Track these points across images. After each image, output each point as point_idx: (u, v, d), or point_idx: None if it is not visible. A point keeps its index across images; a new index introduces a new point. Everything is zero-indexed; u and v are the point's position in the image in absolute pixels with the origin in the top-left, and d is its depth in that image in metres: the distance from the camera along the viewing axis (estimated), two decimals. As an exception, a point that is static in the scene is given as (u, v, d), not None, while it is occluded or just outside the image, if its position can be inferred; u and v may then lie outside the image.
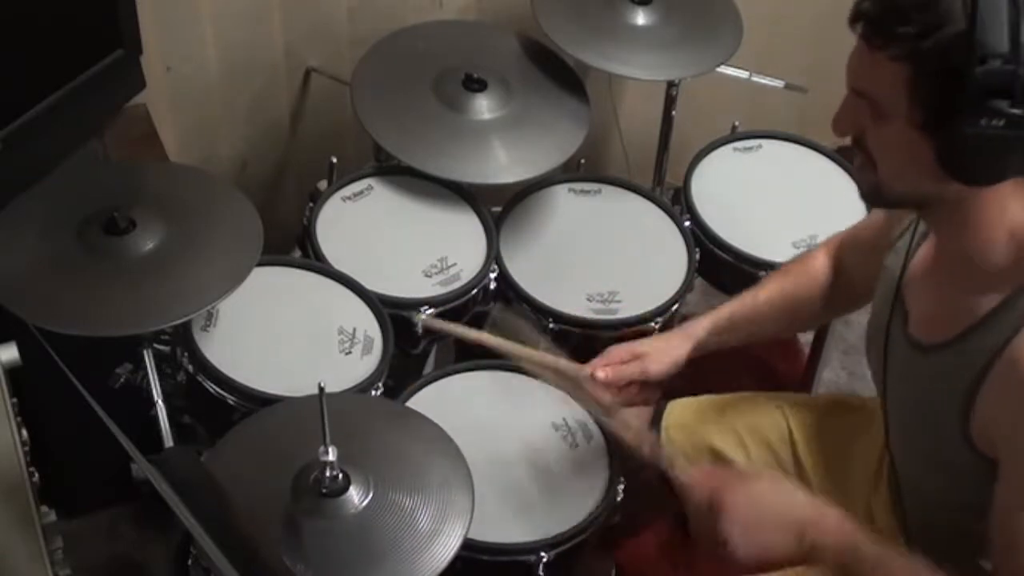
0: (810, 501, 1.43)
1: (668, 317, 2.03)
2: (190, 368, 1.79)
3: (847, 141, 1.38)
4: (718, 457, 1.80)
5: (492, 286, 2.03)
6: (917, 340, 1.43)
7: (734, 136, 2.35)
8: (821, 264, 1.75)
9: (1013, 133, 1.19)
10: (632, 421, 1.67)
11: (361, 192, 2.11)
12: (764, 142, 2.35)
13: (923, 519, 1.53)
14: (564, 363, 1.72)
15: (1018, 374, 1.27)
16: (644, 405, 1.79)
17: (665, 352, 1.74)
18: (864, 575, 1.36)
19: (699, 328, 1.76)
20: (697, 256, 2.12)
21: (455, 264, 2.01)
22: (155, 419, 1.77)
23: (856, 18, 1.27)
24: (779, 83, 2.47)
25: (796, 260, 1.81)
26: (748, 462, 1.78)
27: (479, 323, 2.04)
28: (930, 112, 1.23)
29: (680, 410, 1.86)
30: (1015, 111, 1.18)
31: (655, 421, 1.86)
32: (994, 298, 1.31)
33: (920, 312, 1.44)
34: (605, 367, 1.71)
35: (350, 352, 1.85)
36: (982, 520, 1.35)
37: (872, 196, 1.37)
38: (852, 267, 1.72)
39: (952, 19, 1.19)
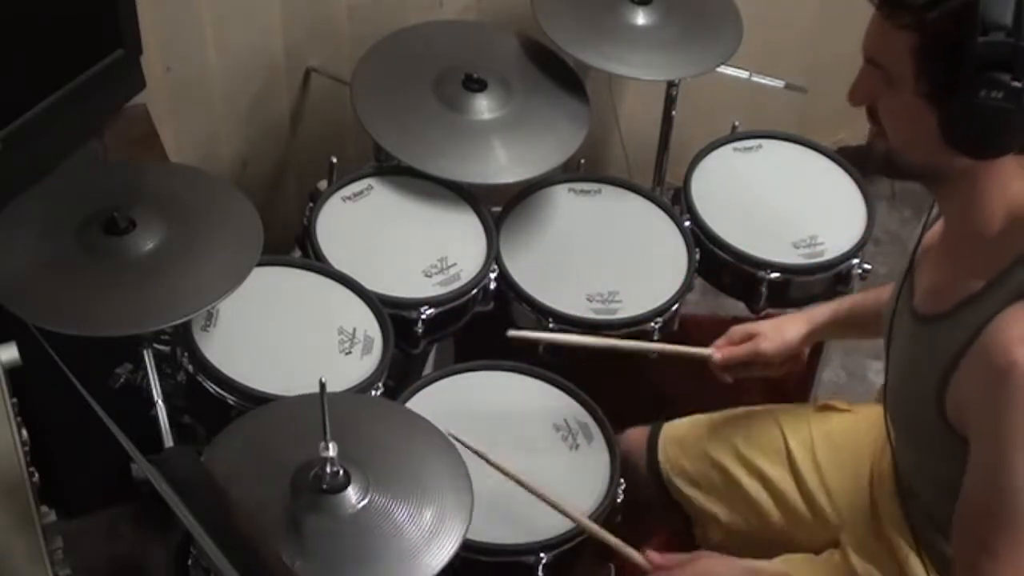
0: (750, 565, 1.60)
1: (668, 317, 2.03)
2: (190, 368, 1.79)
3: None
4: (716, 468, 1.81)
5: (492, 286, 2.03)
6: (917, 311, 1.46)
7: (734, 136, 2.35)
8: None
9: (1012, 106, 1.22)
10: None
11: (361, 192, 2.11)
12: (764, 142, 2.35)
13: (920, 498, 1.55)
14: (687, 349, 1.85)
15: (988, 357, 1.29)
16: (767, 376, 1.84)
17: (779, 332, 1.80)
18: None
19: (819, 314, 1.83)
20: (697, 256, 2.12)
21: (455, 264, 2.01)
22: (155, 419, 1.77)
23: None
24: (779, 83, 2.47)
25: None
26: (748, 477, 1.80)
27: (479, 323, 2.05)
28: (934, 82, 1.26)
29: (675, 428, 1.88)
30: (1015, 84, 1.21)
31: (651, 439, 1.87)
32: (986, 275, 1.34)
33: (925, 286, 1.47)
34: (723, 348, 1.83)
35: (350, 352, 1.85)
36: None
37: (883, 166, 1.39)
38: None
39: None
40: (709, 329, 2.49)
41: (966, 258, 1.38)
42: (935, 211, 1.50)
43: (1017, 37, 1.20)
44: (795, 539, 1.72)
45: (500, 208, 2.16)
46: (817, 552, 1.68)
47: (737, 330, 1.84)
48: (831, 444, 1.78)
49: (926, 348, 1.41)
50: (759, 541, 1.74)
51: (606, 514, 1.74)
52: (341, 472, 1.47)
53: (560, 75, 2.24)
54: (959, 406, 1.35)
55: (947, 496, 1.39)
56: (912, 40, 1.26)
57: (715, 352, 1.82)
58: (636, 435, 1.88)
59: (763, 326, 1.82)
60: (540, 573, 1.67)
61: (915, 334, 1.45)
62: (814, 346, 2.43)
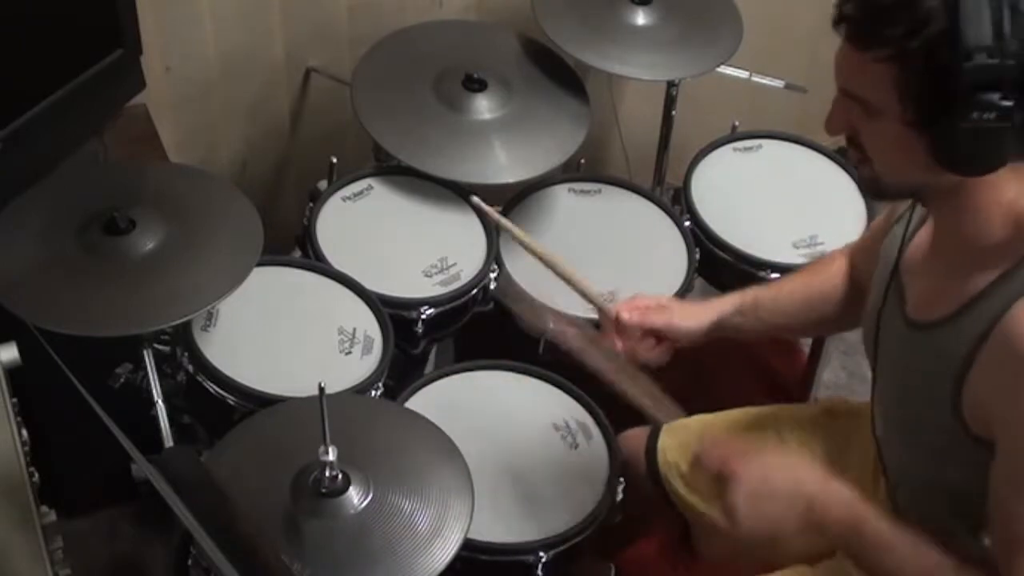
0: (819, 476, 1.41)
1: (668, 317, 2.03)
2: (190, 368, 1.79)
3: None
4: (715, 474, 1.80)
5: (492, 286, 2.03)
6: (914, 320, 1.44)
7: (734, 136, 2.35)
8: (839, 267, 1.75)
9: (1005, 125, 1.21)
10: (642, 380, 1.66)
11: (361, 192, 2.11)
12: (764, 142, 2.35)
13: (914, 507, 1.53)
14: (593, 289, 1.76)
15: (1009, 348, 1.27)
16: (655, 361, 1.74)
17: (691, 314, 1.73)
18: (866, 550, 1.37)
19: (725, 304, 1.76)
20: (697, 256, 2.12)
21: (455, 264, 2.01)
22: (155, 419, 1.77)
23: (839, 20, 1.27)
24: (779, 83, 2.47)
25: (820, 259, 1.81)
26: None
27: (479, 323, 2.05)
28: (921, 109, 1.24)
29: (674, 431, 1.86)
30: (1005, 103, 1.20)
31: (650, 442, 1.86)
32: (989, 275, 1.32)
33: (918, 293, 1.45)
34: (632, 310, 1.71)
35: (350, 352, 1.85)
36: (974, 503, 1.36)
37: (871, 190, 1.39)
38: (863, 273, 1.72)
39: (935, 17, 1.20)
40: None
41: (964, 261, 1.36)
42: (916, 219, 1.48)
43: (1001, 56, 1.19)
44: (792, 548, 1.71)
45: (500, 208, 2.15)
46: (812, 563, 1.67)
47: (645, 297, 1.75)
48: (832, 451, 1.77)
49: (931, 356, 1.39)
50: (757, 549, 1.73)
51: (605, 514, 1.74)
52: (340, 476, 1.47)
53: (560, 75, 2.24)
54: (978, 404, 1.33)
55: (965, 503, 1.37)
56: (892, 71, 1.24)
57: (622, 312, 1.71)
58: (635, 437, 1.88)
59: (674, 303, 1.76)
60: (540, 572, 1.67)
61: (914, 344, 1.43)
62: (813, 345, 2.44)
